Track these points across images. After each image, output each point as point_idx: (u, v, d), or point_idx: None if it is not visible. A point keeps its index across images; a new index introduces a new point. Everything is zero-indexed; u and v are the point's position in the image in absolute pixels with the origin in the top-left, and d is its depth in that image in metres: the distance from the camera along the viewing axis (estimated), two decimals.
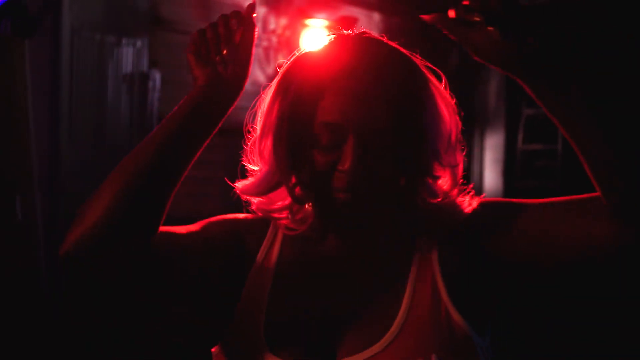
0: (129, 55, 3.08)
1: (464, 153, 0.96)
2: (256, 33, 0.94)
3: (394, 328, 0.89)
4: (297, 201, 0.93)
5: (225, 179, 1.05)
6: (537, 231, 0.89)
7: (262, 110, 0.97)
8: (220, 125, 0.93)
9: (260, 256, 0.97)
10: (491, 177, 4.42)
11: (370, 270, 0.95)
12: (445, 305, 0.90)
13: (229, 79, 0.92)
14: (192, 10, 3.49)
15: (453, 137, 0.92)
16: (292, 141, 0.90)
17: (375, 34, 0.95)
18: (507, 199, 0.96)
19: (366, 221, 0.93)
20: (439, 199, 0.93)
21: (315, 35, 3.65)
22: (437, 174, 0.92)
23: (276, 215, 0.97)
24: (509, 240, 0.91)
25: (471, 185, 0.95)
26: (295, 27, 3.69)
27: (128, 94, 3.09)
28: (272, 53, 3.72)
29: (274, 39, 3.73)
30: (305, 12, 3.71)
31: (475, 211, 0.94)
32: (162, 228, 0.92)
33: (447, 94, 0.93)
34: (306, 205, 0.95)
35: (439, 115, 0.91)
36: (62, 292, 2.66)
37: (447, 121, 0.92)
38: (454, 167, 0.93)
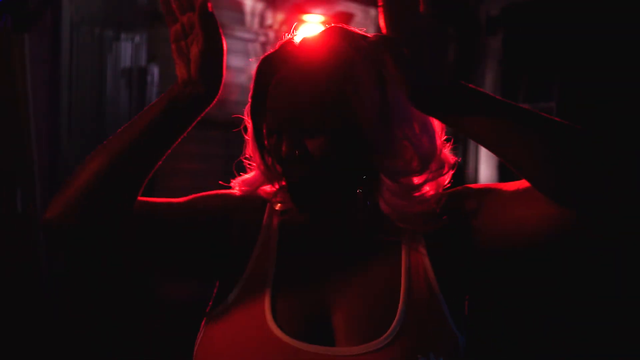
0: (128, 50, 3.08)
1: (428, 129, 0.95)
2: (222, 38, 0.93)
3: (393, 327, 0.91)
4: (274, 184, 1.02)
5: (232, 180, 1.08)
6: (504, 214, 0.92)
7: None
8: (194, 123, 0.94)
9: (258, 244, 1.00)
10: (486, 171, 4.43)
11: (364, 257, 0.97)
12: (439, 302, 0.93)
13: (201, 81, 0.91)
14: None
15: (390, 113, 0.93)
16: (258, 134, 1.00)
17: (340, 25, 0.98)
18: (485, 184, 0.98)
19: (327, 201, 0.96)
20: (406, 177, 0.94)
21: (312, 31, 3.67)
22: (390, 151, 0.93)
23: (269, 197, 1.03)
24: (487, 224, 0.93)
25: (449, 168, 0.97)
26: (292, 23, 3.70)
27: (127, 88, 3.10)
28: (269, 48, 3.74)
29: (271, 35, 3.75)
30: (302, 7, 3.73)
31: (459, 196, 0.97)
32: (144, 199, 0.99)
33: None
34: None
35: (364, 95, 0.92)
36: (62, 283, 2.68)
37: (375, 98, 0.93)
38: (407, 141, 0.93)
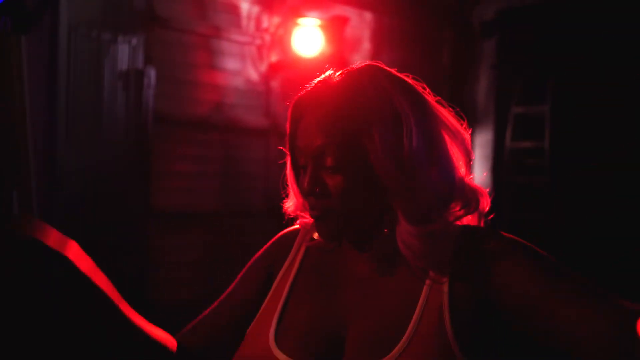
0: (125, 52, 3.09)
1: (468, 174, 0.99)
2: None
3: (396, 350, 0.92)
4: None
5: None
6: (541, 319, 0.90)
7: None
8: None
9: (285, 265, 1.09)
10: (480, 173, 4.45)
11: (383, 288, 1.00)
12: (448, 338, 0.92)
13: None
14: (187, 8, 3.52)
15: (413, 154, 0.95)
16: (294, 167, 1.06)
17: (381, 66, 1.02)
18: (539, 259, 0.94)
19: (349, 234, 1.01)
20: (424, 220, 0.94)
21: (308, 34, 3.69)
22: (405, 195, 0.95)
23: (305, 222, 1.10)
24: (517, 303, 0.91)
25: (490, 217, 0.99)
26: (287, 26, 3.72)
27: (124, 91, 3.10)
28: (265, 51, 3.76)
29: (267, 38, 3.76)
30: (297, 10, 3.75)
31: (500, 249, 0.95)
32: (193, 326, 1.12)
33: (449, 113, 1.01)
34: None
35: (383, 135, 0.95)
36: (58, 288, 2.69)
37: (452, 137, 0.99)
38: (430, 185, 0.95)
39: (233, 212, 3.68)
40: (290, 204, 1.10)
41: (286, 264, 1.09)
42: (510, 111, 4.37)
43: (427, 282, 0.96)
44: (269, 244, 1.15)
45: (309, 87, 1.02)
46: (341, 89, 0.98)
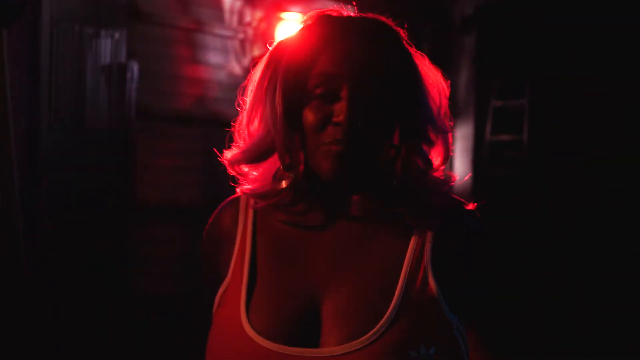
0: (108, 47, 3.09)
1: (451, 124, 0.98)
2: None
3: (381, 324, 0.86)
4: (287, 167, 0.93)
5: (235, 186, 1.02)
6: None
7: (252, 84, 0.98)
8: None
9: (237, 244, 0.96)
10: (461, 166, 4.51)
11: (365, 244, 0.93)
12: (437, 301, 0.89)
13: None
14: (169, 2, 3.53)
15: (443, 103, 0.96)
16: (286, 101, 0.91)
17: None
18: (488, 255, 0.98)
19: (357, 183, 0.93)
20: (432, 171, 0.94)
21: (290, 28, 3.71)
22: (432, 140, 0.94)
23: (262, 195, 0.95)
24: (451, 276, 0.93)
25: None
26: (270, 20, 3.74)
27: (107, 85, 3.11)
28: (247, 45, 3.77)
29: (250, 32, 3.78)
30: (280, 5, 3.76)
31: (474, 230, 0.96)
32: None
33: (431, 65, 0.99)
34: (283, 183, 0.95)
35: (428, 80, 0.96)
36: (43, 277, 2.69)
37: (436, 88, 0.96)
38: (445, 133, 0.95)
39: (216, 206, 3.69)
40: (254, 173, 0.96)
41: (237, 242, 0.96)
42: (490, 105, 4.43)
43: (412, 243, 0.92)
44: (206, 228, 1.02)
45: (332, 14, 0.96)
46: (376, 21, 0.96)
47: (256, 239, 0.96)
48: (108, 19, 3.10)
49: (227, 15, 3.73)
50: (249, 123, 0.97)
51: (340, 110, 0.88)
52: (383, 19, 0.98)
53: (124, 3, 3.21)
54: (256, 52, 3.76)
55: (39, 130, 2.79)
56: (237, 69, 3.69)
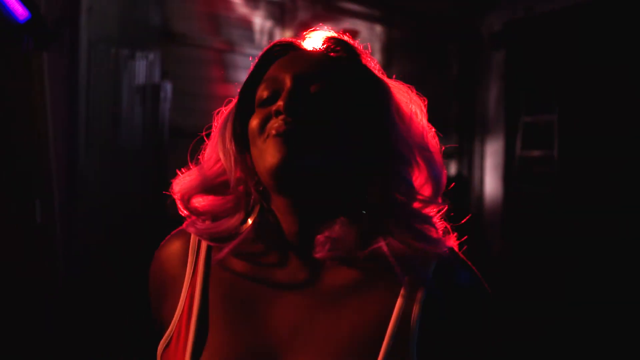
0: (142, 68, 3.14)
1: (438, 144, 0.85)
2: None
3: None
4: (236, 182, 0.82)
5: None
6: None
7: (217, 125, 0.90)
8: None
9: (184, 288, 0.83)
10: (491, 182, 4.47)
11: (332, 308, 0.76)
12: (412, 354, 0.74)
13: None
14: (202, 24, 3.61)
15: (419, 121, 0.84)
16: (236, 124, 0.86)
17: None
18: (481, 328, 0.79)
19: (312, 187, 0.78)
20: (415, 201, 0.79)
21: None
22: (408, 158, 0.80)
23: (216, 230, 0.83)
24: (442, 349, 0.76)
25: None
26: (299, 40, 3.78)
27: (141, 104, 3.15)
28: None
29: None
30: (309, 25, 3.81)
31: (468, 289, 0.79)
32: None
33: (400, 82, 0.89)
34: (239, 219, 0.82)
35: (396, 96, 0.86)
36: (80, 291, 2.75)
37: (406, 104, 0.87)
38: (427, 152, 0.81)
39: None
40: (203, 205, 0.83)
41: (184, 288, 0.82)
42: (520, 120, 4.40)
43: (399, 300, 0.75)
44: (152, 264, 0.90)
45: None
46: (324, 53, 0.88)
47: (207, 285, 0.81)
48: (143, 41, 3.16)
49: (257, 36, 3.80)
50: (203, 153, 0.89)
51: (281, 98, 0.80)
52: (344, 37, 0.92)
53: (158, 26, 3.27)
54: None
55: (77, 148, 2.86)
56: None
